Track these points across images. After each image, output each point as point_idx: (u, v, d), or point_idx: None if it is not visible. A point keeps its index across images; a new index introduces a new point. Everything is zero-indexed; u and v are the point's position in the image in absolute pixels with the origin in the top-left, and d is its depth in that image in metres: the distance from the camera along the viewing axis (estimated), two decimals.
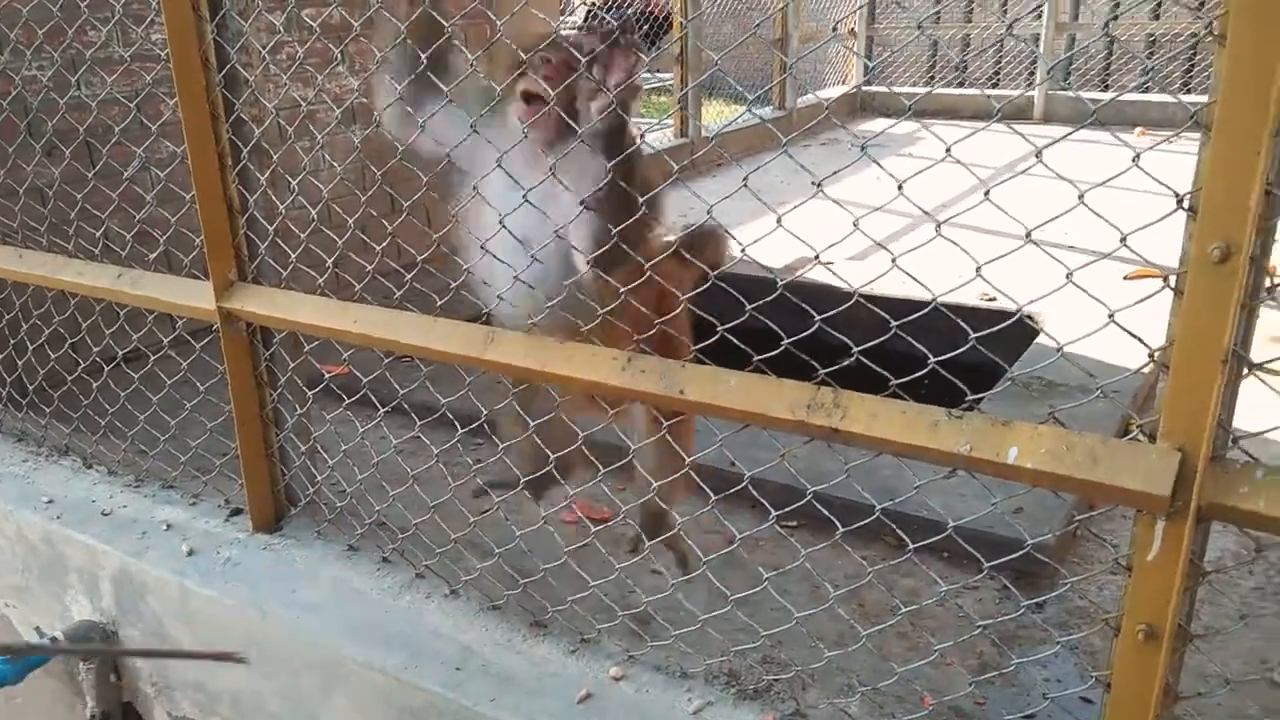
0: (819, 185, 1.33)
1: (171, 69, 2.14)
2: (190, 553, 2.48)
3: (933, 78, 10.81)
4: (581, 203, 1.77)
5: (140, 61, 2.84)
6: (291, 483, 2.54)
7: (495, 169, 1.84)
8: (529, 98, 1.90)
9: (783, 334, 1.49)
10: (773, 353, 1.57)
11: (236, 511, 2.62)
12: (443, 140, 1.95)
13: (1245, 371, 1.21)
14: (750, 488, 1.71)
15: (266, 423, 2.44)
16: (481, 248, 1.93)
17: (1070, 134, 1.23)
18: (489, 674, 1.98)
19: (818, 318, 1.47)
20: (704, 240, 2.32)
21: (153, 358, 2.75)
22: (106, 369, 2.88)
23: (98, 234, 2.72)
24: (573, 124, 1.78)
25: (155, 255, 2.58)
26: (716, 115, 9.68)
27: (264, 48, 2.11)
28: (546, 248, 1.88)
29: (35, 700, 2.91)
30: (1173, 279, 1.20)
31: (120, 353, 2.82)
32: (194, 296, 2.40)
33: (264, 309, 2.27)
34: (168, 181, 2.53)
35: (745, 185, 1.43)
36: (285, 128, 2.35)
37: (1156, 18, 9.64)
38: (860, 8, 9.94)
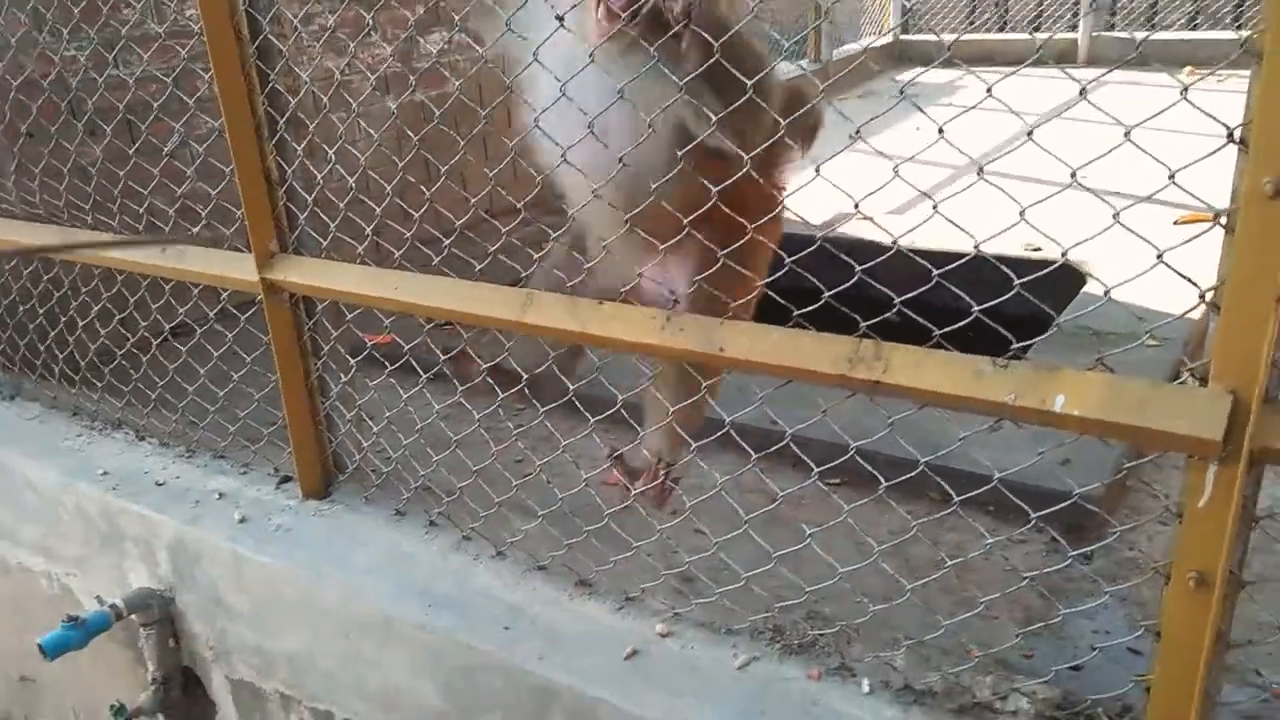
0: (858, 132, 1.31)
1: (205, 43, 2.16)
2: (243, 520, 2.53)
3: (972, 23, 10.47)
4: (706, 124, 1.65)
5: (175, 38, 2.87)
6: (338, 450, 2.57)
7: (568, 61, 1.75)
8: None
9: (824, 288, 1.48)
10: (812, 307, 1.56)
11: (286, 479, 2.66)
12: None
13: None
14: (792, 445, 1.71)
15: (312, 391, 2.47)
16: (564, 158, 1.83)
17: (1115, 68, 1.20)
18: (537, 632, 2.00)
19: (858, 269, 1.46)
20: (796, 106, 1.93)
21: (199, 331, 2.80)
22: (155, 343, 2.93)
23: (141, 209, 2.76)
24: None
25: (198, 229, 2.62)
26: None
27: (295, 18, 2.13)
28: (627, 139, 1.76)
29: (99, 665, 3.00)
30: (1224, 217, 1.17)
31: (168, 327, 2.86)
32: (236, 268, 2.43)
33: (305, 279, 2.30)
34: (207, 156, 2.55)
35: (782, 134, 1.42)
36: (320, 97, 2.36)
37: None
38: None
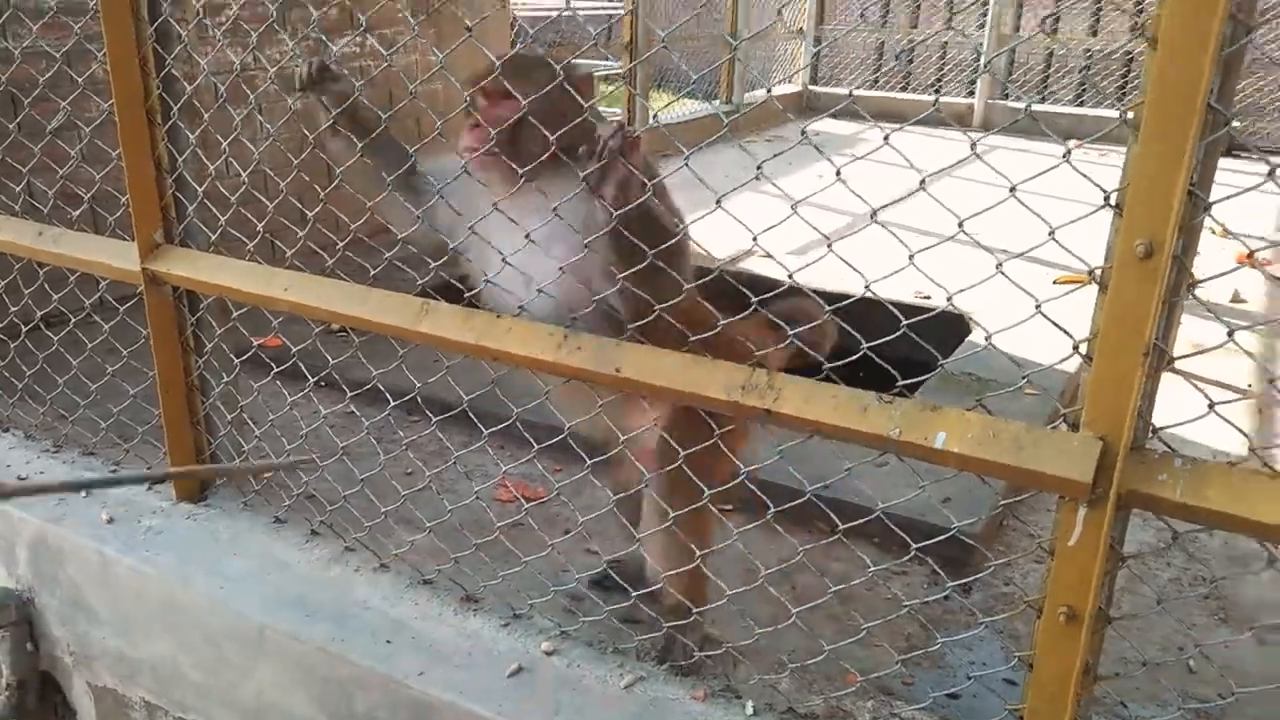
0: (759, 168, 1.33)
1: (101, 21, 2.07)
2: (110, 520, 2.42)
3: (877, 80, 10.99)
4: (586, 244, 1.68)
5: (70, 14, 2.73)
6: (217, 452, 2.48)
7: (486, 213, 1.77)
8: (473, 130, 1.81)
9: (719, 318, 1.49)
10: (708, 333, 1.57)
11: (159, 480, 2.56)
12: (450, 214, 1.89)
13: (1165, 365, 1.25)
14: (685, 469, 1.72)
15: (192, 390, 2.38)
16: (486, 280, 1.86)
17: (1006, 129, 1.25)
18: (419, 647, 1.97)
19: (754, 300, 1.48)
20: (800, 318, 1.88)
21: (74, 320, 2.67)
22: (25, 330, 2.79)
23: (18, 189, 2.62)
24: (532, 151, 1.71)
25: (79, 214, 2.50)
26: (664, 107, 9.67)
27: (199, 4, 2.06)
28: (549, 281, 1.79)
29: None
30: (1099, 273, 1.23)
31: (39, 314, 2.72)
32: (117, 257, 2.33)
33: (190, 272, 2.21)
34: (94, 139, 2.44)
35: (686, 165, 1.43)
36: (219, 88, 2.28)
37: (1094, 34, 9.94)
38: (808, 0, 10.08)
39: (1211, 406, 1.25)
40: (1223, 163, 1.26)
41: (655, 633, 1.92)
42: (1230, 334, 1.22)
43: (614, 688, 1.84)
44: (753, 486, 1.68)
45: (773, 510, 1.62)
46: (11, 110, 2.95)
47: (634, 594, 1.90)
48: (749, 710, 1.77)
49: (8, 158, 2.66)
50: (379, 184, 1.87)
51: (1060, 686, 1.40)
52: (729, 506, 2.01)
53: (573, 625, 1.97)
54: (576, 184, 1.64)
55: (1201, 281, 1.22)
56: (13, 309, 2.77)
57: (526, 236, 1.73)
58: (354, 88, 1.85)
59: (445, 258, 1.89)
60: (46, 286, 2.67)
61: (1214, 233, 1.21)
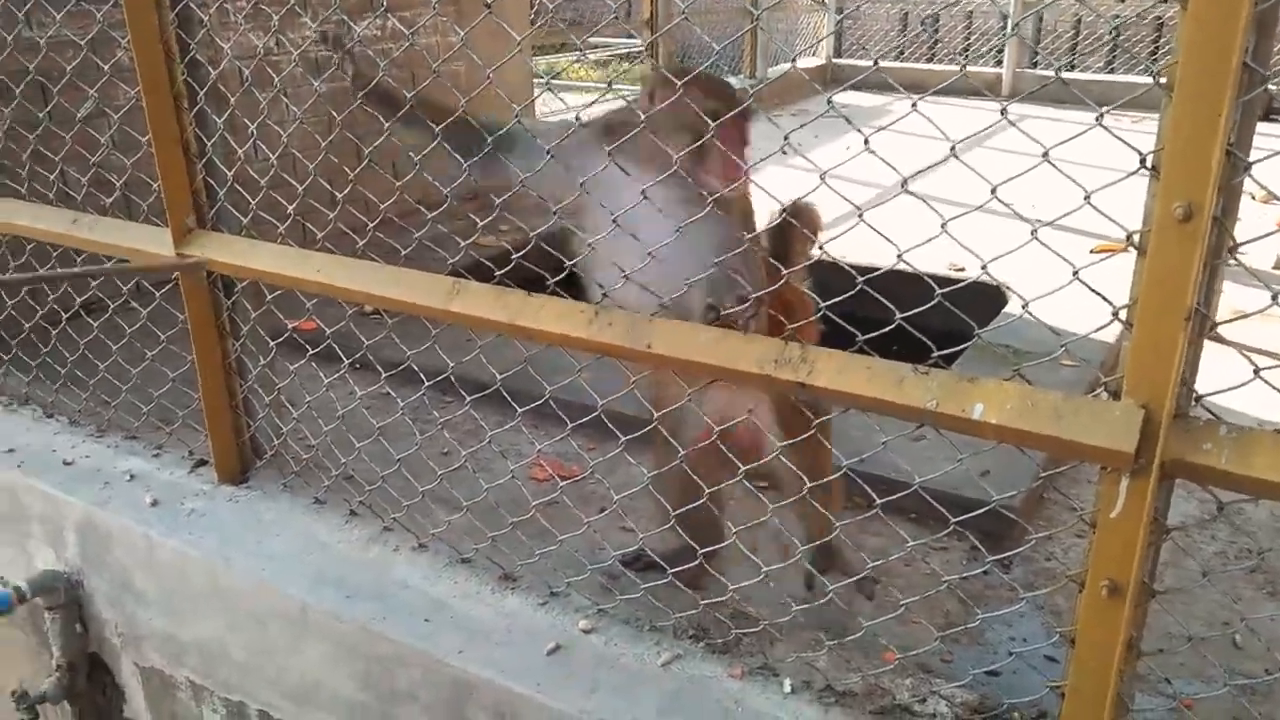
0: (786, 138, 1.31)
1: (123, 7, 2.07)
2: (154, 503, 2.45)
3: (902, 52, 10.79)
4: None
5: (93, 2, 2.74)
6: (256, 435, 2.51)
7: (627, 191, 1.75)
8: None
9: (753, 292, 1.47)
10: (742, 307, 1.56)
11: (201, 463, 2.59)
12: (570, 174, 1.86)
13: (1207, 331, 1.21)
14: (719, 445, 1.71)
15: (230, 373, 2.41)
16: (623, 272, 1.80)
17: (1036, 91, 1.22)
18: (458, 626, 1.98)
19: (785, 272, 1.46)
20: (787, 231, 1.91)
21: (112, 306, 2.70)
22: (65, 317, 2.82)
23: (52, 177, 2.65)
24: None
25: (112, 200, 2.52)
26: None
27: None
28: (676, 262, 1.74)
29: (1, 650, 2.90)
30: (1136, 237, 1.19)
31: (79, 301, 2.76)
32: (152, 242, 2.35)
33: (223, 256, 2.23)
34: (124, 126, 2.45)
35: (713, 137, 1.41)
36: (243, 72, 2.28)
37: (1122, 0, 9.68)
38: None
39: (1257, 372, 1.21)
40: (1261, 127, 1.21)
41: (692, 611, 1.91)
42: (1275, 297, 1.18)
43: (651, 665, 1.84)
44: (786, 461, 1.67)
45: (808, 487, 1.60)
46: (41, 99, 2.98)
47: (669, 571, 1.90)
48: (786, 688, 1.76)
49: (40, 146, 2.68)
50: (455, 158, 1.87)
51: (1103, 662, 1.38)
52: (764, 484, 1.99)
53: (610, 603, 1.98)
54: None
55: (1243, 244, 1.18)
56: (52, 296, 2.81)
57: (648, 256, 1.73)
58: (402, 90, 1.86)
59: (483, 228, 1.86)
60: None
61: (1254, 198, 1.17)
